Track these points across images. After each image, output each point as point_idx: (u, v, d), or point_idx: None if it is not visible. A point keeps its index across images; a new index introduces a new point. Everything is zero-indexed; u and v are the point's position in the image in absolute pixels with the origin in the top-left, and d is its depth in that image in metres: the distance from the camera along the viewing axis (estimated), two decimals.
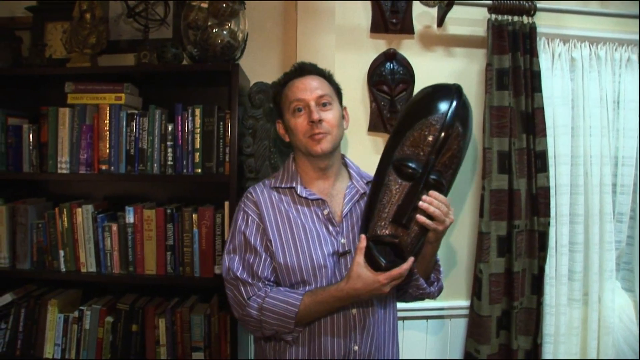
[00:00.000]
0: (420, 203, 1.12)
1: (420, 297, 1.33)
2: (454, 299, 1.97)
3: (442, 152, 1.13)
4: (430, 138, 1.13)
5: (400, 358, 1.38)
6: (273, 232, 1.24)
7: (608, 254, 1.91)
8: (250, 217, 1.26)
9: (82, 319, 1.73)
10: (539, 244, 1.83)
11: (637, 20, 1.89)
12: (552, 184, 1.85)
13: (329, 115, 1.25)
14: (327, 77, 1.35)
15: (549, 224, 1.83)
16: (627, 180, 1.95)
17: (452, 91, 1.18)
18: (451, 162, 1.16)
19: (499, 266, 1.80)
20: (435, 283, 1.33)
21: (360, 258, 1.14)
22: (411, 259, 1.15)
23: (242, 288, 1.21)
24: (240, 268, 1.23)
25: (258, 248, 1.23)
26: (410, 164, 1.14)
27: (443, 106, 1.14)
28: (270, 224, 1.25)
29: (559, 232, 1.88)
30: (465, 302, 1.94)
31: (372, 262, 1.14)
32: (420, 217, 1.12)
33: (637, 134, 1.94)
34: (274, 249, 1.22)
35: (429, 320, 1.96)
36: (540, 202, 1.82)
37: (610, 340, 1.92)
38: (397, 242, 1.14)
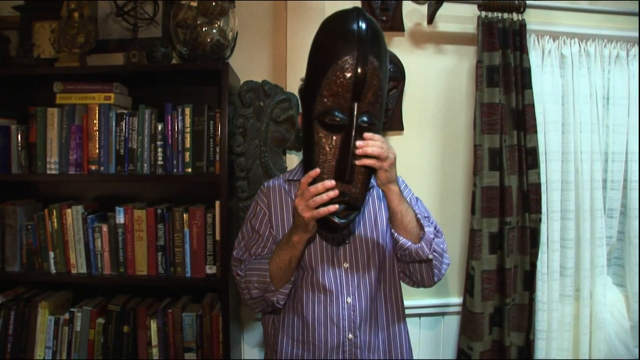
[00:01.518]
0: (357, 151, 1.07)
1: (417, 263, 1.21)
2: (447, 296, 1.98)
3: (364, 92, 1.07)
4: (347, 82, 1.06)
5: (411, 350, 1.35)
6: (277, 221, 1.29)
7: (599, 250, 1.92)
8: (259, 207, 1.33)
9: (73, 320, 1.71)
10: (531, 240, 1.83)
11: (626, 17, 1.90)
12: (543, 180, 1.86)
13: None
14: None
15: (540, 220, 1.84)
16: (617, 176, 1.96)
17: (353, 21, 1.08)
18: (376, 99, 1.10)
19: (491, 263, 1.80)
20: (425, 237, 1.18)
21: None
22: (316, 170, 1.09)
23: (238, 264, 1.29)
24: (241, 253, 1.30)
25: (261, 232, 1.29)
26: (335, 115, 1.08)
27: (349, 43, 1.06)
28: (275, 213, 1.30)
29: (551, 228, 1.88)
30: (457, 299, 1.95)
31: (327, 225, 1.11)
32: (362, 161, 1.07)
33: (627, 130, 1.96)
34: (276, 235, 1.28)
35: (422, 317, 1.97)
36: (531, 199, 1.83)
37: (602, 336, 1.93)
38: (347, 199, 1.09)
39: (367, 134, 1.08)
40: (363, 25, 1.07)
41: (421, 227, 1.18)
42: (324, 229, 1.13)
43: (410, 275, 1.26)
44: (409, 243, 1.17)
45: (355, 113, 1.06)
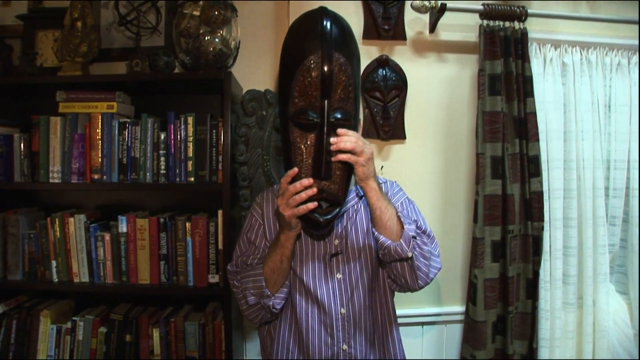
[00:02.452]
0: (332, 147, 1.09)
1: (397, 262, 1.17)
2: (449, 304, 1.97)
3: (333, 89, 1.09)
4: (314, 81, 1.08)
5: (405, 357, 1.35)
6: (270, 229, 1.30)
7: (602, 258, 1.92)
8: (254, 218, 1.34)
9: (75, 329, 1.71)
10: (533, 248, 1.83)
11: (627, 25, 1.91)
12: (545, 188, 1.86)
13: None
14: None
15: (542, 228, 1.83)
16: (619, 184, 1.96)
17: (316, 21, 1.11)
18: (347, 94, 1.12)
19: (493, 271, 1.80)
20: (404, 234, 1.15)
21: None
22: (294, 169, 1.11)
23: (234, 276, 1.30)
24: (236, 264, 1.31)
25: (257, 243, 1.30)
26: (307, 114, 1.10)
27: (314, 43, 1.09)
28: (269, 222, 1.31)
29: (553, 236, 1.88)
30: (460, 308, 1.94)
31: (310, 223, 1.13)
32: (337, 157, 1.09)
33: (629, 138, 1.96)
34: (268, 242, 1.29)
35: (424, 326, 1.96)
36: (533, 207, 1.82)
37: (605, 344, 1.92)
38: (325, 196, 1.11)
39: (340, 130, 1.10)
40: (326, 24, 1.10)
41: (402, 225, 1.16)
42: (308, 226, 1.15)
43: (395, 278, 1.23)
44: (389, 241, 1.15)
45: (325, 110, 1.09)
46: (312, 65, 1.08)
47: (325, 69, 1.08)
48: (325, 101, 1.09)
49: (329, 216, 1.13)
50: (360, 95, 1.20)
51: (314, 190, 1.09)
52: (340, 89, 1.10)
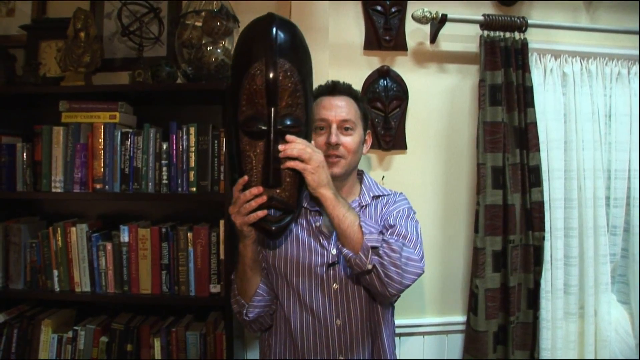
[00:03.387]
0: (280, 154, 1.08)
1: (366, 276, 1.13)
2: (450, 314, 1.97)
3: (279, 96, 1.08)
4: (259, 88, 1.07)
5: None
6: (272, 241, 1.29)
7: (603, 267, 1.92)
8: None
9: (76, 339, 1.71)
10: (534, 258, 1.83)
11: (627, 36, 1.92)
12: (546, 198, 1.86)
13: (348, 140, 1.27)
14: (358, 99, 1.34)
15: (543, 238, 1.83)
16: (620, 193, 1.96)
17: (262, 26, 1.10)
18: (294, 100, 1.10)
19: (494, 281, 1.80)
20: (362, 245, 1.10)
21: None
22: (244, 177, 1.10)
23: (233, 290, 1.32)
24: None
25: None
26: (255, 122, 1.08)
27: (258, 49, 1.07)
28: None
29: (554, 246, 1.88)
30: (461, 318, 1.94)
31: (263, 231, 1.13)
32: (285, 164, 1.09)
33: (629, 147, 1.96)
34: (264, 252, 1.30)
35: (426, 336, 1.96)
36: (534, 217, 1.83)
37: (607, 354, 1.92)
38: (275, 204, 1.11)
39: (289, 137, 1.10)
40: (272, 29, 1.08)
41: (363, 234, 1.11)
42: (263, 235, 1.15)
43: (367, 286, 1.19)
44: (350, 254, 1.11)
45: (272, 118, 1.08)
46: (257, 73, 1.07)
47: (270, 75, 1.06)
48: (272, 108, 1.08)
49: (280, 224, 1.13)
50: (312, 100, 1.18)
51: (264, 198, 1.08)
52: (287, 95, 1.09)
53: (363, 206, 1.32)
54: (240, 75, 1.09)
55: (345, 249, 1.13)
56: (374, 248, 1.10)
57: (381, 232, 1.16)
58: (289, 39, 1.11)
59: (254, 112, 1.09)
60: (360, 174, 1.42)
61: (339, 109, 1.28)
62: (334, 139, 1.24)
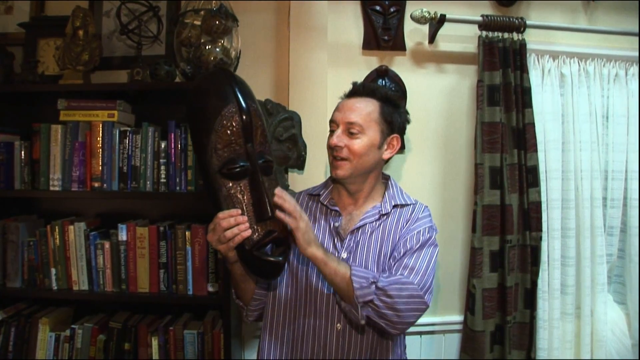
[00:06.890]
0: (275, 199, 1.09)
1: (374, 323, 1.16)
2: (448, 314, 1.98)
3: (253, 133, 1.11)
4: (236, 129, 1.10)
5: None
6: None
7: (600, 267, 1.93)
8: None
9: (73, 337, 1.71)
10: (532, 258, 1.84)
11: (625, 37, 1.93)
12: (543, 198, 1.87)
13: (353, 144, 1.23)
14: (387, 102, 1.29)
15: (541, 238, 1.84)
16: (617, 194, 1.98)
17: (220, 76, 1.16)
18: (264, 138, 1.16)
19: (491, 281, 1.81)
20: (363, 305, 1.12)
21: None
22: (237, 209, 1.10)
23: None
24: None
25: None
26: (236, 162, 1.10)
27: (227, 94, 1.12)
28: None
29: (551, 246, 1.89)
30: (458, 318, 1.95)
31: (267, 265, 1.12)
32: (279, 214, 1.09)
33: (626, 148, 1.97)
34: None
35: (423, 335, 1.96)
36: (532, 217, 1.84)
37: (603, 354, 1.93)
38: (276, 235, 1.11)
39: (278, 190, 1.11)
40: (233, 76, 1.16)
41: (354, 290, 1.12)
42: (265, 269, 1.13)
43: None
44: (347, 307, 1.15)
45: (254, 153, 1.11)
46: (231, 114, 1.10)
47: (244, 116, 1.10)
48: (249, 144, 1.11)
49: (281, 257, 1.13)
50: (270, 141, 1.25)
51: (245, 218, 1.08)
52: (259, 133, 1.13)
53: (383, 214, 1.28)
54: (210, 122, 1.10)
55: (343, 303, 1.16)
56: (366, 302, 1.12)
57: (373, 282, 1.13)
58: (246, 85, 1.17)
59: (231, 153, 1.10)
60: (386, 179, 1.38)
61: (348, 111, 1.25)
62: (333, 140, 1.24)
